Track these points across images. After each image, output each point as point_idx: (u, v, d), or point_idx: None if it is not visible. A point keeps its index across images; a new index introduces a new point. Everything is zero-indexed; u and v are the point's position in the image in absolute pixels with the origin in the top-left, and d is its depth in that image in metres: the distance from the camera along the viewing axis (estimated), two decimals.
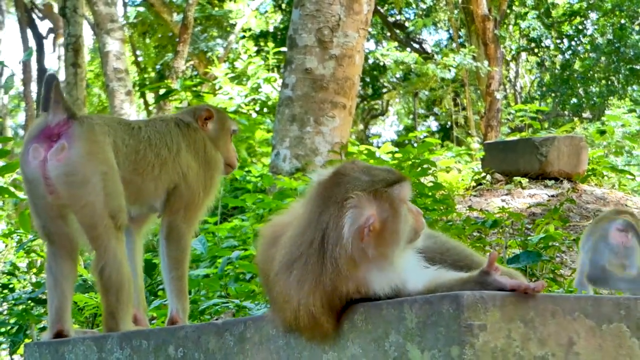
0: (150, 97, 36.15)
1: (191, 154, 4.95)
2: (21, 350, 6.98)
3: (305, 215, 3.26)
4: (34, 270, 8.59)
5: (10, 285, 8.15)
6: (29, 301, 7.17)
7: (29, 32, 32.90)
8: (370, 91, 36.88)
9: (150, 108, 35.43)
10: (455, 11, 34.31)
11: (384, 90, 38.71)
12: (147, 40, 34.86)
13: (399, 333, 3.03)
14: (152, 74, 35.21)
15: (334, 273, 3.13)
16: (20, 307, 7.32)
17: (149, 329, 4.23)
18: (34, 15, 34.27)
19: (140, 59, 35.67)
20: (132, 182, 4.66)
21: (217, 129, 5.21)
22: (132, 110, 20.15)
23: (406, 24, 36.60)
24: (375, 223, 3.13)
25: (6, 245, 9.78)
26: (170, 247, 4.92)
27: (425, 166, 10.58)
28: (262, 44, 28.19)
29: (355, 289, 3.17)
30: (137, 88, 29.80)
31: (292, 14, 12.11)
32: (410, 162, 10.63)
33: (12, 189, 9.35)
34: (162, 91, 16.58)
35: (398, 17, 37.40)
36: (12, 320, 7.20)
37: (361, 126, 39.20)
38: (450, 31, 37.24)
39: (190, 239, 5.04)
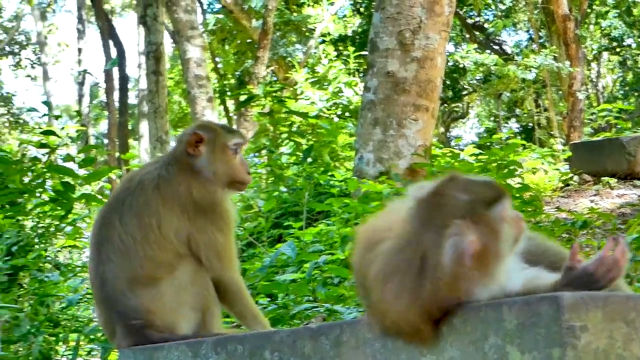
0: (230, 103, 36.42)
1: (177, 214, 4.76)
2: (112, 356, 7.04)
3: (404, 233, 3.23)
4: None
5: None
6: None
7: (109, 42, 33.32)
8: (450, 94, 36.71)
9: (231, 114, 35.70)
10: (535, 11, 34.02)
11: (464, 92, 38.52)
12: (226, 47, 35.12)
13: (498, 335, 2.99)
14: (232, 81, 35.46)
15: (433, 292, 3.11)
16: None
17: (243, 334, 4.22)
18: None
19: (219, 65, 35.95)
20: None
21: (212, 149, 4.98)
22: (213, 116, 20.30)
23: (485, 25, 36.38)
24: (475, 247, 3.09)
25: None
26: (226, 304, 4.91)
27: (511, 167, 10.50)
28: (340, 48, 28.22)
29: (455, 302, 3.14)
30: (217, 95, 30.00)
31: (372, 17, 12.08)
32: (496, 164, 10.56)
33: (99, 197, 9.45)
34: (243, 97, 16.63)
35: (477, 19, 37.20)
36: None
37: (442, 129, 39.05)
38: (530, 32, 36.97)
39: (238, 277, 4.96)
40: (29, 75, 49.63)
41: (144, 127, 35.35)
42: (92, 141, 36.42)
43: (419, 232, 3.16)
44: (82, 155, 9.54)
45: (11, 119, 48.03)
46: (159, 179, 4.80)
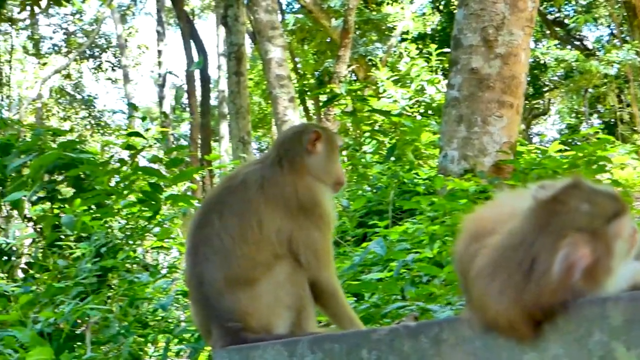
0: (310, 103, 36.50)
1: (280, 214, 4.76)
2: (202, 357, 7.08)
3: (518, 232, 3.20)
4: None
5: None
6: None
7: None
8: (531, 90, 36.38)
9: (311, 114, 35.77)
10: (616, 6, 33.58)
11: (545, 89, 38.16)
12: (306, 47, 35.20)
13: (603, 332, 2.94)
14: (311, 81, 35.53)
15: (537, 295, 3.08)
16: None
17: (340, 333, 4.21)
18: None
19: (299, 65, 36.05)
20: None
21: (327, 148, 5.01)
22: (295, 116, 20.34)
23: (566, 21, 35.99)
24: (587, 262, 3.04)
25: (182, 254, 9.95)
26: (321, 305, 4.90)
27: (601, 163, 10.36)
28: (420, 46, 28.13)
29: (558, 308, 3.10)
30: (297, 95, 30.10)
31: (455, 14, 12.02)
32: (585, 160, 10.43)
33: (189, 197, 9.52)
34: (324, 97, 16.67)
35: (557, 15, 36.82)
36: (192, 328, 7.31)
37: (523, 126, 38.71)
38: (612, 27, 36.49)
39: (335, 278, 4.94)
40: (109, 78, 50.25)
41: (224, 128, 35.58)
42: (174, 143, 36.72)
43: (534, 235, 3.13)
44: (165, 156, 9.65)
45: (93, 121, 48.68)
46: (263, 178, 4.81)
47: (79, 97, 49.09)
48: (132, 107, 9.99)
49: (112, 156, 9.94)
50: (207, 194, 5.16)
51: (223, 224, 4.71)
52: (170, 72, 34.45)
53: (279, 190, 4.80)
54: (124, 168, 9.51)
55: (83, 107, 48.83)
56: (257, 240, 4.68)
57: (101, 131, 47.02)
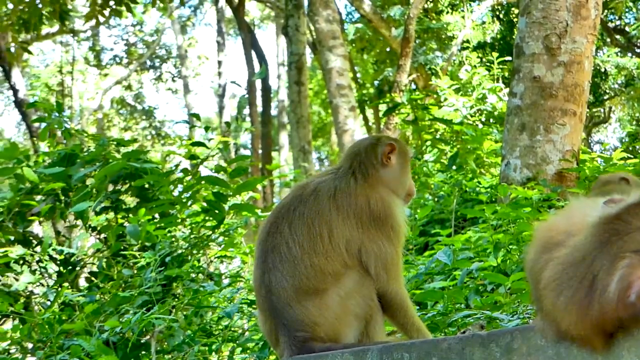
0: (369, 113, 36.45)
1: (351, 225, 4.79)
2: None
3: (581, 247, 3.19)
4: None
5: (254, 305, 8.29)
6: None
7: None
8: (591, 98, 36.05)
9: (370, 124, 35.74)
10: None
11: (606, 97, 37.80)
12: (365, 57, 35.18)
13: None
14: (371, 90, 35.49)
15: (601, 312, 3.07)
16: None
17: (409, 342, 4.20)
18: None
19: (358, 75, 36.03)
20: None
21: (400, 161, 5.07)
22: (356, 125, 20.37)
23: (627, 28, 35.63)
24: None
25: (245, 263, 9.99)
26: (389, 315, 4.90)
27: None
28: (480, 55, 27.98)
29: (629, 320, 3.07)
30: (357, 104, 30.11)
31: (518, 22, 11.95)
32: None
33: (252, 206, 9.55)
34: (384, 106, 16.65)
35: (618, 22, 36.46)
36: (256, 337, 7.33)
37: (583, 134, 38.37)
38: None
39: (403, 289, 4.93)
40: (169, 89, 50.60)
41: (283, 137, 35.71)
42: (236, 153, 36.84)
43: (595, 253, 3.11)
44: (228, 166, 9.69)
45: (153, 132, 49.04)
46: (336, 189, 4.82)
47: (139, 107, 49.49)
48: (195, 116, 10.06)
49: (177, 165, 9.98)
50: (279, 202, 5.18)
51: (292, 232, 4.72)
52: (233, 82, 34.65)
53: (352, 201, 4.81)
54: (187, 178, 9.55)
55: (143, 117, 49.22)
56: (326, 250, 4.69)
57: (162, 141, 47.35)
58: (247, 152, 39.58)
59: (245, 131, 42.86)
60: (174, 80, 49.16)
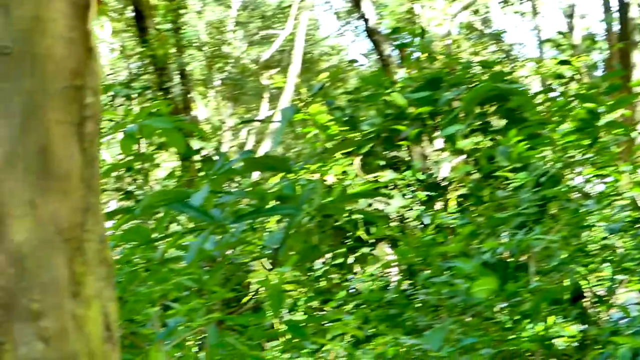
0: None
1: None
2: None
3: None
4: None
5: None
6: None
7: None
8: None
9: None
10: None
11: None
12: None
13: None
14: None
15: None
16: None
17: None
18: None
19: None
20: None
21: None
22: None
23: None
24: None
25: (617, 181, 9.68)
26: None
27: None
28: None
29: None
30: None
31: None
32: None
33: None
34: None
35: None
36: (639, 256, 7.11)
37: None
38: None
39: None
40: (517, 11, 50.02)
41: (636, 56, 34.41)
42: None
43: None
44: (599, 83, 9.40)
45: (503, 55, 48.71)
46: None
47: (487, 31, 49.28)
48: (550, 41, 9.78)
49: (549, 86, 9.81)
50: None
51: None
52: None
53: None
54: (558, 98, 9.36)
55: (492, 41, 48.98)
56: None
57: (511, 64, 46.97)
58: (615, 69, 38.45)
59: (593, 51, 41.70)
60: (521, 3, 48.54)
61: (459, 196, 10.02)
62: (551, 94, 9.92)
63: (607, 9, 33.28)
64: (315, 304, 9.83)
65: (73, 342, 2.38)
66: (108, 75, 31.99)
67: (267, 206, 5.69)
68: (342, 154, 10.07)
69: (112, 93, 12.80)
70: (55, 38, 2.45)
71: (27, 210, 2.33)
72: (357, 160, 10.10)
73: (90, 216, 2.48)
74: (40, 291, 2.33)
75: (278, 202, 5.90)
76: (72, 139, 2.44)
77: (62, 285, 2.37)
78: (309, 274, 9.72)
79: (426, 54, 10.69)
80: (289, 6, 39.30)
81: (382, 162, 10.40)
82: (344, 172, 9.84)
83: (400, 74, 13.80)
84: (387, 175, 10.14)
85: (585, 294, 7.54)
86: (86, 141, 2.49)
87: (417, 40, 10.57)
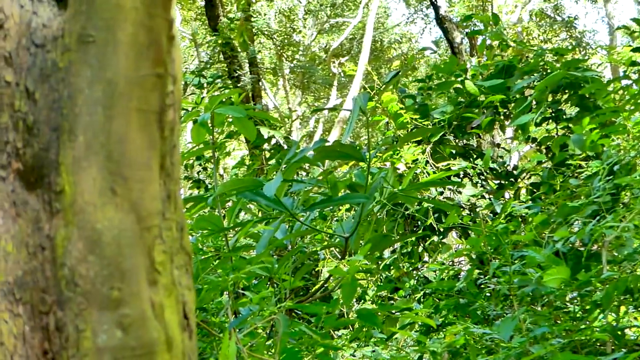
0: None
1: None
2: None
3: None
4: None
5: None
6: None
7: None
8: None
9: None
10: None
11: None
12: None
13: None
14: None
15: None
16: None
17: None
18: None
19: None
20: None
21: None
22: None
23: None
24: None
25: None
26: None
27: None
28: None
29: None
30: None
31: None
32: None
33: None
34: None
35: None
36: None
37: None
38: None
39: None
40: None
41: None
42: None
43: None
44: None
45: (574, 42, 48.19)
46: None
47: (558, 19, 48.79)
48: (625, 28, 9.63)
49: (624, 74, 9.65)
50: None
51: None
52: None
53: None
54: (633, 86, 9.23)
55: (563, 28, 48.48)
56: None
57: (582, 52, 46.45)
58: None
59: None
60: None
61: (531, 185, 9.94)
62: (624, 82, 9.79)
63: None
64: (384, 292, 9.83)
65: (151, 330, 2.40)
66: None
67: (338, 195, 5.69)
68: (413, 142, 10.04)
69: (183, 82, 12.87)
70: (136, 26, 2.46)
71: (108, 199, 2.35)
72: (428, 149, 10.06)
73: (170, 204, 2.50)
74: (119, 279, 2.35)
75: (349, 191, 5.91)
76: (153, 127, 2.46)
77: (141, 273, 2.38)
78: (378, 262, 9.71)
79: (498, 42, 10.60)
80: None
81: (453, 151, 10.34)
82: (415, 161, 9.81)
83: (471, 62, 13.71)
84: (458, 163, 10.09)
85: None
86: (166, 129, 2.51)
87: (489, 28, 10.48)
